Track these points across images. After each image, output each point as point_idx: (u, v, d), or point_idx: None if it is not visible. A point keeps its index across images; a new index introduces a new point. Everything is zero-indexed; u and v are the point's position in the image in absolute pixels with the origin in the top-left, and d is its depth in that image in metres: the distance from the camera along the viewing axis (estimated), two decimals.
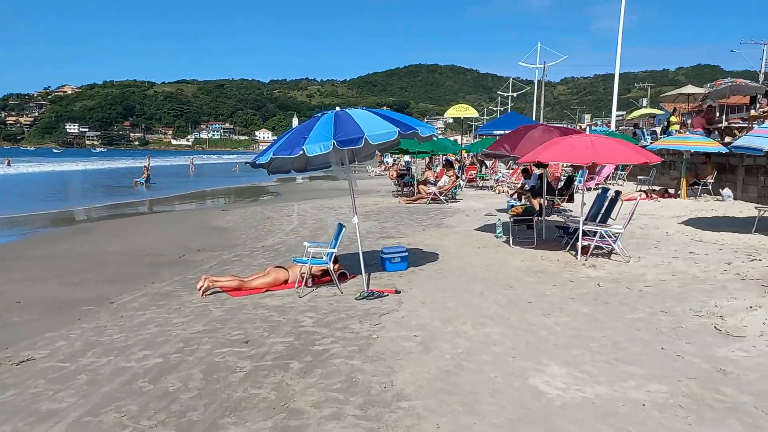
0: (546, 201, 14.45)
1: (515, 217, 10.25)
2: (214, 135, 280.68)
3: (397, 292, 7.13)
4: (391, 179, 23.60)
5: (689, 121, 21.30)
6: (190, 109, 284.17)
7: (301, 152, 6.23)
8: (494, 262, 8.83)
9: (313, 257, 7.35)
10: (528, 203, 14.73)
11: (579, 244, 8.76)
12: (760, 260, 8.07)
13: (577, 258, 8.70)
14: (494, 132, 18.33)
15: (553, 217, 11.76)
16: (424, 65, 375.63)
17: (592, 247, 8.76)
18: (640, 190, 17.69)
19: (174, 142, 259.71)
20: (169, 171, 49.95)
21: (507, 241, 10.27)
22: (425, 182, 19.64)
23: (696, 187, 16.46)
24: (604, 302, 6.43)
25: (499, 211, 15.28)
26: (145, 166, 32.71)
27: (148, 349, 5.43)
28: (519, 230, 10.74)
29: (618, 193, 9.99)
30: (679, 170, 18.64)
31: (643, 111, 36.23)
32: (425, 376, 4.49)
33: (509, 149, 9.66)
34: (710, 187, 16.45)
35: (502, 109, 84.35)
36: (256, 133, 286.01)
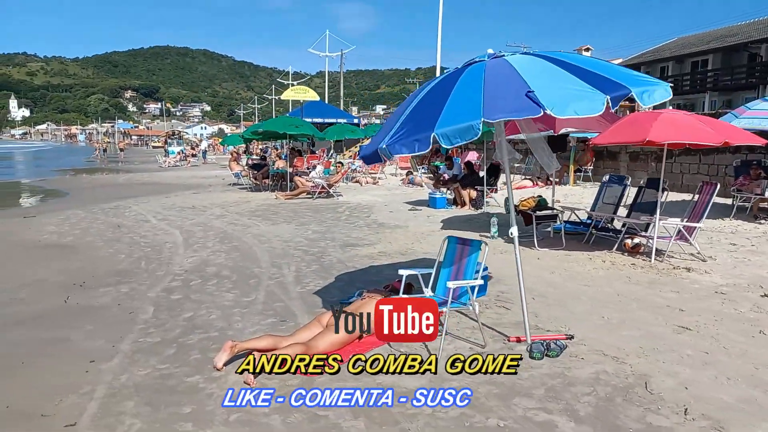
0: (477, 191, 13.05)
1: (536, 213, 8.32)
2: None
3: (570, 337, 4.71)
4: (232, 170, 19.64)
5: None
6: None
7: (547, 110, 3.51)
8: (565, 271, 6.88)
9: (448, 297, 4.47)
10: (457, 193, 13.12)
11: (642, 242, 7.37)
12: None
13: (651, 260, 7.24)
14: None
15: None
16: (173, 47, 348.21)
17: (669, 247, 7.44)
18: (526, 178, 17.47)
19: None
20: None
21: (511, 242, 8.42)
22: (297, 173, 16.61)
23: (578, 173, 16.75)
24: None
25: (413, 203, 13.37)
26: None
27: None
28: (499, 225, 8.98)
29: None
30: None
31: None
32: None
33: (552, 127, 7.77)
34: (590, 174, 16.91)
35: (277, 98, 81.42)
36: None
